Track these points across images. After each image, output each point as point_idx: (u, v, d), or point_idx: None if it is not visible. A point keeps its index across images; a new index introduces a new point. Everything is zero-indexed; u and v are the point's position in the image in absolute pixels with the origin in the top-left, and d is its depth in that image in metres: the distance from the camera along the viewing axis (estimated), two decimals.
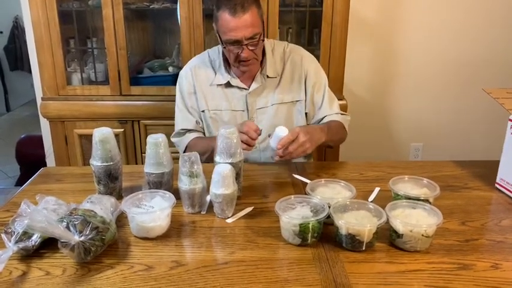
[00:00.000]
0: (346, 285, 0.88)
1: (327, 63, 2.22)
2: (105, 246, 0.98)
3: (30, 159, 3.24)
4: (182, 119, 1.64)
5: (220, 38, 1.48)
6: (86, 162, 2.28)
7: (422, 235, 0.98)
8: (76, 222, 0.94)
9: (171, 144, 1.31)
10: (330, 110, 1.63)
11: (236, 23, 1.39)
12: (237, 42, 1.43)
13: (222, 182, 1.10)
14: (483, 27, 2.67)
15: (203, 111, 1.63)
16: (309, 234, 1.00)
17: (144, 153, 1.25)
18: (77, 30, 2.25)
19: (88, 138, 2.20)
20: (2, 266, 0.90)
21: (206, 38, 2.21)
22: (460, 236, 1.07)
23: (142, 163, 1.31)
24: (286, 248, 1.01)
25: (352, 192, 1.13)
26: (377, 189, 1.26)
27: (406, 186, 1.18)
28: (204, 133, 1.67)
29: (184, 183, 1.14)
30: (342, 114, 1.66)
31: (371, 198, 1.21)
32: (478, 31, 2.68)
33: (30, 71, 2.63)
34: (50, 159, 2.58)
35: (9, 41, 5.47)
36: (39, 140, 2.72)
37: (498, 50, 2.71)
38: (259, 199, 1.25)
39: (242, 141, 1.34)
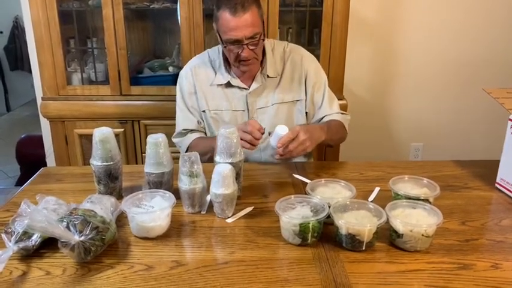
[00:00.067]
0: (346, 285, 0.88)
1: (327, 63, 2.22)
2: (105, 246, 0.98)
3: (30, 159, 3.24)
4: (183, 119, 1.64)
5: (220, 37, 1.48)
6: (86, 162, 2.29)
7: (423, 235, 0.98)
8: (76, 222, 0.94)
9: (171, 144, 1.31)
10: (330, 109, 1.63)
11: (236, 23, 1.39)
12: (238, 42, 1.43)
13: (222, 181, 1.10)
14: (483, 27, 2.67)
15: (204, 111, 1.63)
16: (309, 234, 1.00)
17: (144, 153, 1.25)
18: (77, 30, 2.26)
19: (88, 138, 2.20)
20: (2, 265, 0.90)
21: (206, 38, 2.21)
22: (460, 235, 1.07)
23: (143, 163, 1.31)
24: (286, 247, 1.01)
25: (352, 192, 1.13)
26: (377, 189, 1.26)
27: (406, 186, 1.18)
28: (205, 133, 1.67)
29: (184, 183, 1.14)
30: (342, 113, 1.66)
31: (371, 198, 1.21)
32: (478, 31, 2.68)
33: (30, 71, 2.63)
34: (50, 159, 2.58)
35: (10, 40, 5.47)
36: (39, 140, 2.73)
37: (498, 50, 2.71)
38: (259, 199, 1.25)
39: (246, 141, 1.35)
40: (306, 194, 1.13)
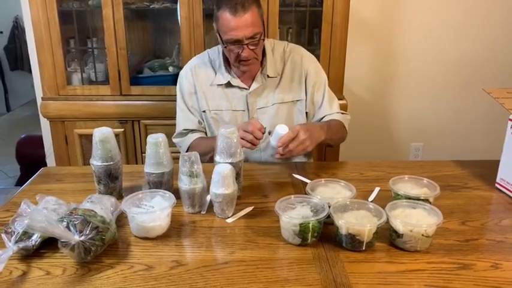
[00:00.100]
0: (346, 285, 0.88)
1: (327, 63, 2.22)
2: (105, 246, 0.98)
3: (30, 159, 3.24)
4: (184, 119, 1.64)
5: (220, 37, 1.48)
6: (86, 162, 2.29)
7: (422, 235, 0.98)
8: (76, 222, 0.94)
9: (171, 144, 1.31)
10: (330, 109, 1.63)
11: (237, 23, 1.39)
12: (238, 42, 1.43)
13: (222, 181, 1.10)
14: (483, 27, 2.67)
15: (204, 111, 1.63)
16: (309, 234, 1.00)
17: (144, 153, 1.25)
18: (77, 30, 2.26)
19: (88, 138, 2.20)
20: (2, 265, 0.90)
21: (206, 38, 2.21)
22: (460, 235, 1.07)
23: (143, 163, 1.30)
24: (286, 247, 1.01)
25: (352, 192, 1.13)
26: (377, 189, 1.26)
27: (406, 186, 1.18)
28: (206, 133, 1.67)
29: (184, 183, 1.14)
30: (342, 113, 1.66)
31: (371, 198, 1.21)
32: (478, 31, 2.68)
33: (30, 71, 2.63)
34: (50, 159, 2.58)
35: (10, 41, 5.47)
36: (39, 140, 2.73)
37: (498, 50, 2.71)
38: (259, 199, 1.25)
39: (247, 141, 1.35)
40: (306, 194, 1.13)
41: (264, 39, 1.50)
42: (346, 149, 2.28)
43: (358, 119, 2.41)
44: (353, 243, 0.99)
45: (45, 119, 2.30)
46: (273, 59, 1.61)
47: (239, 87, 1.60)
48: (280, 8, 2.17)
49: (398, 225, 0.99)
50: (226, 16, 1.40)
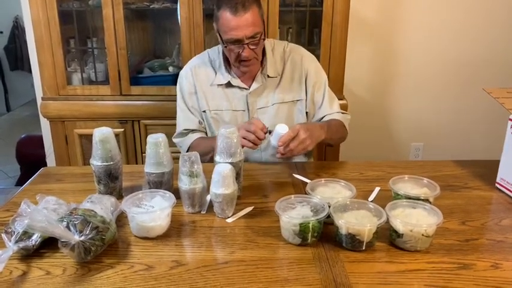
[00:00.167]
0: (346, 284, 0.88)
1: (327, 63, 2.22)
2: (105, 245, 0.98)
3: (30, 159, 3.24)
4: (184, 119, 1.64)
5: (220, 37, 1.48)
6: (86, 162, 2.29)
7: (423, 235, 0.98)
8: (76, 222, 0.94)
9: (171, 144, 1.31)
10: (330, 109, 1.63)
11: (237, 22, 1.39)
12: (238, 42, 1.43)
13: (222, 181, 1.10)
14: (483, 27, 2.67)
15: (204, 111, 1.63)
16: (309, 234, 1.00)
17: (144, 153, 1.25)
18: (77, 30, 2.26)
19: (88, 138, 2.20)
20: (2, 265, 0.90)
21: (206, 38, 2.21)
22: (460, 235, 1.07)
23: (143, 163, 1.30)
24: (286, 247, 1.01)
25: (352, 192, 1.13)
26: (377, 189, 1.26)
27: (406, 185, 1.18)
28: (206, 133, 1.67)
29: (184, 183, 1.14)
30: (342, 113, 1.66)
31: (371, 197, 1.21)
32: (478, 31, 2.68)
33: (30, 71, 2.63)
34: (50, 159, 2.58)
35: (10, 40, 5.47)
36: (39, 140, 2.73)
37: (498, 50, 2.71)
38: (259, 199, 1.25)
39: (249, 141, 1.35)
40: (306, 193, 1.12)
41: (264, 39, 1.51)
42: (346, 149, 2.28)
43: (359, 118, 2.41)
44: (353, 243, 0.99)
45: (45, 119, 2.30)
46: (273, 59, 1.61)
47: (239, 87, 1.60)
48: (280, 8, 2.17)
49: (399, 225, 0.99)
50: (226, 16, 1.40)
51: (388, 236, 1.03)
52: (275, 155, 1.41)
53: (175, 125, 1.68)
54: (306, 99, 1.63)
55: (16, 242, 0.95)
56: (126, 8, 2.19)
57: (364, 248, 0.99)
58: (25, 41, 2.95)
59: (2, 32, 5.46)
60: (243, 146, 1.34)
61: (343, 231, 0.99)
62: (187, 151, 1.61)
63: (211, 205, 1.16)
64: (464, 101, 2.80)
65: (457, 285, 0.88)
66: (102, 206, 1.07)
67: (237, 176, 1.20)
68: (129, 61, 2.23)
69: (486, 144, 2.70)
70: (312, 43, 2.42)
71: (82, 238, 0.92)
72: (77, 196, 1.23)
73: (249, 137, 1.35)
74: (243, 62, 1.50)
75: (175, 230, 1.09)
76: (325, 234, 1.04)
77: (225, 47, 1.48)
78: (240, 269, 0.94)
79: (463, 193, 1.29)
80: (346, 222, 0.98)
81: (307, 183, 1.19)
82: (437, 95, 2.80)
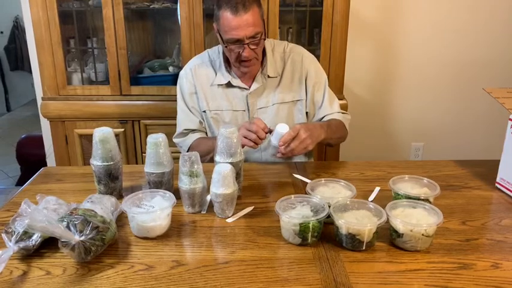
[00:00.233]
0: (346, 284, 0.88)
1: (327, 63, 2.22)
2: (106, 245, 0.98)
3: (30, 159, 3.24)
4: (185, 120, 1.64)
5: (221, 37, 1.48)
6: (86, 162, 2.29)
7: (423, 234, 0.98)
8: (76, 222, 0.94)
9: (171, 144, 1.31)
10: (330, 109, 1.63)
11: (238, 22, 1.39)
12: (239, 42, 1.43)
13: (222, 181, 1.10)
14: (483, 27, 2.67)
15: (204, 111, 1.63)
16: (309, 234, 1.00)
17: (145, 153, 1.26)
18: (77, 30, 2.26)
19: (88, 138, 2.20)
20: (3, 265, 0.90)
21: (206, 38, 2.21)
22: (461, 235, 1.07)
23: (143, 163, 1.31)
24: (286, 247, 1.01)
25: (353, 192, 1.13)
26: (377, 189, 1.26)
27: (406, 185, 1.18)
28: (206, 133, 1.67)
29: (184, 183, 1.14)
30: (342, 113, 1.66)
31: (371, 197, 1.21)
32: (478, 31, 2.68)
33: (30, 71, 2.63)
34: (51, 159, 2.58)
35: (10, 41, 5.48)
36: (39, 140, 2.73)
37: (498, 50, 2.71)
38: (259, 199, 1.25)
39: (250, 140, 1.35)
40: (306, 193, 1.13)
41: (264, 39, 1.51)
42: (346, 149, 2.28)
43: (359, 119, 2.41)
44: (353, 243, 0.99)
45: (46, 119, 2.30)
46: (273, 59, 1.61)
47: (239, 87, 1.60)
48: (280, 7, 2.17)
49: (399, 224, 0.99)
50: (227, 16, 1.40)
51: (388, 236, 1.03)
52: (275, 155, 1.41)
53: (175, 125, 1.68)
54: (306, 99, 1.63)
55: (16, 242, 0.95)
56: (126, 8, 2.19)
57: (364, 248, 0.99)
58: (25, 41, 2.95)
59: (2, 32, 5.46)
60: (243, 146, 1.34)
61: (343, 231, 0.99)
62: (187, 151, 1.61)
63: (211, 205, 1.16)
64: (464, 101, 2.80)
65: (457, 285, 0.88)
66: (102, 206, 1.07)
67: (237, 176, 1.20)
68: (129, 61, 2.23)
69: (486, 144, 2.70)
70: (312, 43, 2.42)
71: (82, 238, 0.92)
72: (77, 196, 1.23)
73: (250, 137, 1.36)
74: (244, 62, 1.50)
75: (175, 230, 1.09)
76: (325, 234, 1.04)
77: (226, 47, 1.48)
78: (240, 269, 0.94)
79: (463, 193, 1.29)
80: (346, 222, 0.98)
81: (307, 183, 1.20)
82: (438, 95, 2.80)
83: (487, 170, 1.39)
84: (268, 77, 1.60)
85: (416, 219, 1.00)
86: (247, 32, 1.41)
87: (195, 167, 1.14)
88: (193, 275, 0.91)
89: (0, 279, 0.90)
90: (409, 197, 1.11)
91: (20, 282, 0.90)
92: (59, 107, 2.23)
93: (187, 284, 0.89)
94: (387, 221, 1.00)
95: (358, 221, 1.00)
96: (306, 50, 1.67)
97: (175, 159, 1.21)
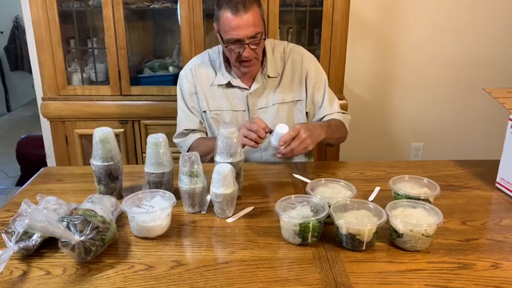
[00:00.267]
0: (347, 284, 0.88)
1: (327, 63, 2.22)
2: (106, 245, 0.98)
3: (30, 159, 3.24)
4: (185, 120, 1.64)
5: (221, 37, 1.48)
6: (86, 162, 2.29)
7: (423, 234, 0.98)
8: (76, 222, 0.94)
9: (171, 144, 1.31)
10: (330, 109, 1.63)
11: (238, 22, 1.39)
12: (239, 42, 1.43)
13: (222, 181, 1.10)
14: (483, 27, 2.67)
15: (204, 111, 1.63)
16: (309, 234, 1.00)
17: (145, 153, 1.26)
18: (77, 30, 2.26)
19: (88, 138, 2.20)
20: (3, 265, 0.90)
21: (206, 38, 2.21)
22: (461, 235, 1.07)
23: (143, 163, 1.31)
24: (286, 247, 1.02)
25: (353, 192, 1.13)
26: (377, 189, 1.26)
27: (406, 185, 1.18)
28: (206, 133, 1.67)
29: (184, 183, 1.14)
30: (342, 113, 1.66)
31: (371, 197, 1.21)
32: (478, 31, 2.68)
33: (30, 71, 2.63)
34: (51, 159, 2.58)
35: (10, 41, 5.47)
36: (39, 140, 2.73)
37: (498, 50, 2.71)
38: (259, 199, 1.25)
39: (251, 139, 1.35)
40: (306, 193, 1.13)
41: (265, 39, 1.51)
42: (346, 149, 2.28)
43: (359, 118, 2.41)
44: (353, 243, 0.99)
45: (46, 119, 2.30)
46: (273, 59, 1.61)
47: (239, 88, 1.60)
48: (280, 7, 2.17)
49: (399, 224, 0.99)
50: (227, 15, 1.40)
51: (388, 236, 1.03)
52: (275, 155, 1.41)
53: (175, 125, 1.68)
54: (306, 100, 1.63)
55: (16, 242, 0.95)
56: (126, 8, 2.19)
57: (364, 248, 0.99)
58: (25, 41, 2.95)
59: (2, 32, 5.46)
60: (244, 146, 1.34)
61: (343, 231, 0.99)
62: (187, 151, 1.61)
63: (211, 205, 1.16)
64: (464, 101, 2.80)
65: (457, 285, 0.88)
66: (102, 206, 1.07)
67: (237, 176, 1.20)
68: (129, 61, 2.23)
69: (486, 144, 2.70)
70: (312, 43, 2.42)
71: (82, 238, 0.92)
72: (77, 196, 1.23)
73: (250, 136, 1.36)
74: (244, 62, 1.50)
75: (175, 230, 1.09)
76: (325, 234, 1.04)
77: (226, 47, 1.48)
78: (240, 269, 0.94)
79: (463, 193, 1.29)
80: (346, 222, 0.98)
81: (307, 183, 1.20)
82: (438, 95, 2.80)
83: (487, 170, 1.39)
84: (268, 77, 1.60)
85: (416, 219, 1.00)
86: (248, 32, 1.41)
87: (195, 167, 1.14)
88: (193, 275, 0.91)
89: (0, 279, 0.90)
90: (409, 197, 1.11)
91: (20, 282, 0.90)
92: (59, 107, 2.23)
93: (188, 284, 0.89)
94: (387, 221, 1.00)
95: (358, 221, 1.00)
96: (306, 50, 1.67)
97: (176, 159, 1.21)
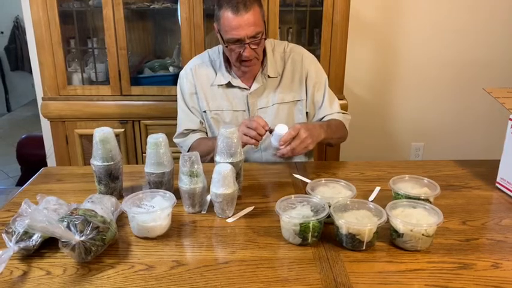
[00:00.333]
0: (347, 284, 0.88)
1: (327, 63, 2.22)
2: (106, 246, 0.98)
3: (30, 159, 3.25)
4: (185, 120, 1.64)
5: (221, 37, 1.48)
6: (86, 162, 2.29)
7: (423, 234, 0.98)
8: (77, 222, 0.94)
9: (171, 144, 1.31)
10: (330, 109, 1.63)
11: (239, 22, 1.39)
12: (239, 41, 1.43)
13: (223, 181, 1.10)
14: (483, 27, 2.67)
15: (205, 111, 1.63)
16: (310, 234, 1.00)
17: (145, 153, 1.26)
18: (78, 30, 2.26)
19: (89, 138, 2.20)
20: (3, 265, 0.90)
21: (206, 38, 2.21)
22: (461, 235, 1.07)
23: (143, 163, 1.31)
24: (286, 247, 1.02)
25: (353, 192, 1.13)
26: (377, 189, 1.26)
27: (406, 185, 1.18)
28: (207, 133, 1.67)
29: (184, 183, 1.14)
30: (342, 113, 1.66)
31: (371, 197, 1.21)
32: (478, 31, 2.68)
33: (30, 71, 2.64)
34: (51, 159, 2.58)
35: (10, 41, 5.48)
36: (39, 140, 2.73)
37: (498, 51, 2.71)
38: (259, 199, 1.25)
39: (251, 137, 1.35)
40: (306, 193, 1.13)
41: (265, 39, 1.51)
42: (346, 149, 2.28)
43: (359, 118, 2.41)
44: (353, 242, 0.99)
45: (46, 119, 2.31)
46: (274, 59, 1.61)
47: (240, 88, 1.60)
48: (280, 7, 2.17)
49: (399, 224, 0.99)
50: (228, 15, 1.40)
51: (389, 236, 1.03)
52: (275, 155, 1.41)
53: (175, 125, 1.68)
54: (306, 100, 1.63)
55: (17, 242, 0.95)
56: (126, 8, 2.19)
57: (364, 248, 0.99)
58: (25, 41, 2.94)
59: (2, 33, 5.46)
60: (244, 145, 1.34)
61: (344, 231, 0.99)
62: (188, 151, 1.61)
63: (211, 205, 1.17)
64: (464, 101, 2.80)
65: (457, 285, 0.88)
66: (102, 206, 1.07)
67: (237, 176, 1.20)
68: (130, 61, 2.23)
69: (486, 144, 2.70)
70: (312, 43, 2.42)
71: (82, 238, 0.92)
72: (77, 196, 1.23)
73: (249, 134, 1.36)
74: (244, 62, 1.50)
75: (175, 230, 1.09)
76: (325, 234, 1.04)
77: (226, 46, 1.48)
78: (240, 268, 0.94)
79: (463, 193, 1.29)
80: (346, 222, 0.98)
81: (307, 183, 1.20)
82: (438, 95, 2.80)
83: (487, 170, 1.39)
84: (269, 77, 1.60)
85: (416, 219, 1.00)
86: (248, 31, 1.41)
87: (195, 167, 1.14)
88: (193, 275, 0.91)
89: (0, 279, 0.90)
90: (409, 197, 1.11)
91: (20, 282, 0.90)
92: (59, 107, 2.23)
93: (188, 284, 0.89)
94: (387, 221, 1.00)
95: (358, 221, 1.00)
96: (306, 50, 1.67)
97: (176, 159, 1.21)
